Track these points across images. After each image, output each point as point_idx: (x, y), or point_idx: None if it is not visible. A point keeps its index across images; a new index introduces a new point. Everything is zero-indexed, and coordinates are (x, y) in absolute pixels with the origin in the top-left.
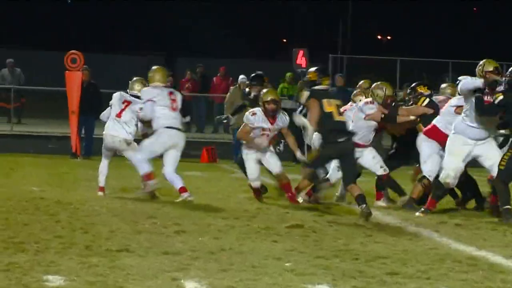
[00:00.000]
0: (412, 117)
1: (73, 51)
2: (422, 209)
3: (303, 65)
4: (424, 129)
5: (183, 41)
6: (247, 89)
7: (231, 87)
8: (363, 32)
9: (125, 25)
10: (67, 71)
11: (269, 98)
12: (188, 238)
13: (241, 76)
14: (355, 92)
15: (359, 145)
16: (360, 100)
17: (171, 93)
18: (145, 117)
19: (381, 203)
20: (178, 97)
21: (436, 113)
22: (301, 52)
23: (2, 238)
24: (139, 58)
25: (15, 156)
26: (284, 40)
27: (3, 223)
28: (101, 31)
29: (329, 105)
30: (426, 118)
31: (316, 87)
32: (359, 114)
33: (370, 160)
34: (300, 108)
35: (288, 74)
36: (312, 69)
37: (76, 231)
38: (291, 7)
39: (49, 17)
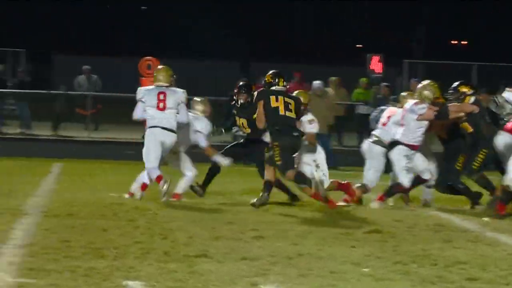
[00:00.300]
0: (461, 114)
1: (148, 57)
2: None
3: (378, 71)
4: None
5: (257, 47)
6: (235, 97)
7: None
8: (438, 37)
9: (205, 30)
10: (142, 78)
11: None
12: (266, 243)
13: (317, 82)
14: (404, 94)
15: (413, 147)
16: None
17: (161, 92)
18: (134, 117)
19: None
20: (171, 97)
21: (480, 113)
22: (376, 58)
23: (81, 243)
24: (212, 64)
25: (93, 162)
26: (358, 46)
27: (82, 229)
28: (177, 36)
29: (276, 101)
30: (472, 118)
31: (273, 88)
32: (411, 115)
33: (421, 163)
34: None
35: (363, 79)
36: (269, 72)
37: (155, 236)
38: (365, 12)
39: (125, 24)
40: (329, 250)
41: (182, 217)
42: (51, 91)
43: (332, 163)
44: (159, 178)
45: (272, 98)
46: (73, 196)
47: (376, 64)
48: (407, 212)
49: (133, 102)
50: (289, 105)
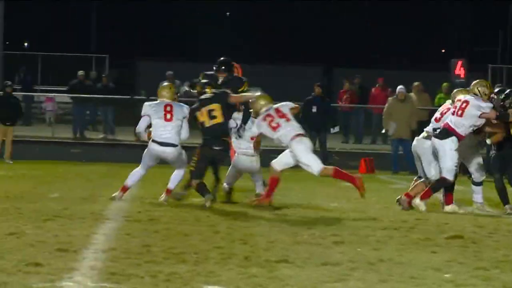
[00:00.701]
0: None
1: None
2: None
3: (462, 76)
4: None
5: (340, 52)
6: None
7: (389, 98)
8: None
9: (288, 36)
10: None
11: None
12: (346, 249)
13: (400, 87)
14: (455, 91)
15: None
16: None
17: (167, 105)
18: (137, 131)
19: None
20: (178, 109)
21: None
22: (459, 63)
23: (163, 248)
24: (301, 68)
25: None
26: (443, 51)
27: (164, 234)
28: (267, 41)
29: (201, 116)
30: None
31: (202, 96)
32: (475, 111)
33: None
34: None
35: (445, 84)
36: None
37: (235, 241)
38: (449, 17)
39: (210, 31)
40: (410, 255)
41: (263, 222)
42: (134, 97)
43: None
44: (125, 188)
45: (198, 114)
46: (155, 201)
47: (459, 69)
48: (489, 218)
49: None
50: (212, 112)
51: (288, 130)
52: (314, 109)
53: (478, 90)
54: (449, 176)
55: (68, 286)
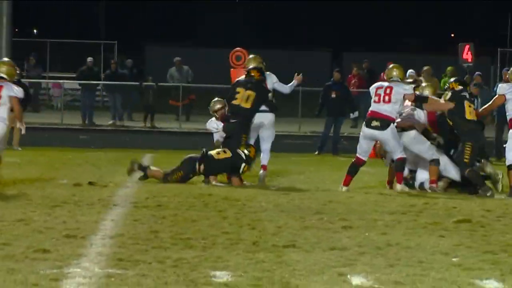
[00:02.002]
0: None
1: (238, 48)
2: None
3: (469, 60)
4: None
5: (348, 36)
6: None
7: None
8: None
9: (301, 21)
10: (232, 69)
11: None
12: (354, 233)
13: (410, 70)
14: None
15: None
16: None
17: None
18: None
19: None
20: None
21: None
22: (467, 47)
23: (171, 234)
24: (309, 53)
25: (184, 153)
26: (452, 35)
27: (171, 220)
28: (278, 26)
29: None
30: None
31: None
32: (400, 95)
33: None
34: None
35: (449, 68)
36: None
37: (243, 227)
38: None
39: (218, 17)
40: (418, 240)
41: (271, 207)
42: (144, 83)
43: None
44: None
45: (237, 89)
46: (163, 187)
47: (467, 53)
48: (497, 201)
49: (223, 93)
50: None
51: None
52: (333, 95)
53: (396, 75)
54: (402, 154)
55: (75, 272)
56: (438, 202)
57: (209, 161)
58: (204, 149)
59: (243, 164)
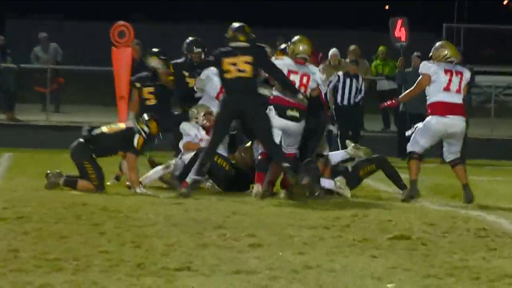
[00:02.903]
0: None
1: (121, 22)
2: None
3: (402, 39)
4: None
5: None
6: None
7: (320, 65)
8: None
9: None
10: (114, 48)
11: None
12: (265, 253)
13: (333, 50)
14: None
15: None
16: None
17: None
18: None
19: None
20: None
21: None
22: (399, 22)
23: (34, 253)
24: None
25: (52, 152)
26: (386, 7)
27: (35, 236)
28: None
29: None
30: None
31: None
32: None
33: None
34: None
35: (381, 48)
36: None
37: (126, 245)
38: None
39: None
40: (344, 261)
41: (161, 220)
42: (1, 64)
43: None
44: None
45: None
46: (25, 195)
47: (399, 30)
48: (442, 213)
49: (104, 77)
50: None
51: None
52: None
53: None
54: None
55: None
56: (369, 213)
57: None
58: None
59: (137, 136)
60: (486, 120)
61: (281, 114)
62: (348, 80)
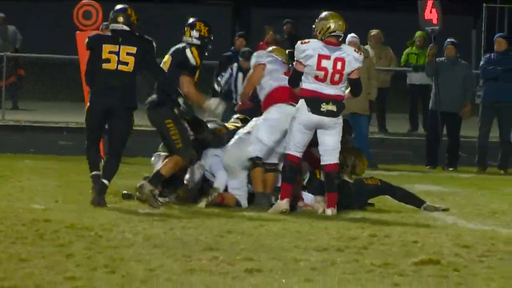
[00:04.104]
0: None
1: (85, 1)
2: None
3: (434, 21)
4: None
5: None
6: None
7: None
8: None
9: None
10: (78, 31)
11: None
12: (265, 279)
13: (351, 35)
14: None
15: None
16: None
17: None
18: None
19: None
20: None
21: None
22: (430, 2)
23: None
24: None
25: (9, 158)
26: None
27: None
28: None
29: None
30: None
31: None
32: None
33: None
34: None
35: (419, 33)
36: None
37: (98, 270)
38: None
39: None
40: None
41: (140, 241)
42: None
43: (370, 157)
44: None
45: None
46: None
47: (430, 12)
48: (478, 234)
49: (71, 66)
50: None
51: None
52: None
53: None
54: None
55: None
56: (391, 233)
57: None
58: None
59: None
60: None
61: (315, 109)
62: None
